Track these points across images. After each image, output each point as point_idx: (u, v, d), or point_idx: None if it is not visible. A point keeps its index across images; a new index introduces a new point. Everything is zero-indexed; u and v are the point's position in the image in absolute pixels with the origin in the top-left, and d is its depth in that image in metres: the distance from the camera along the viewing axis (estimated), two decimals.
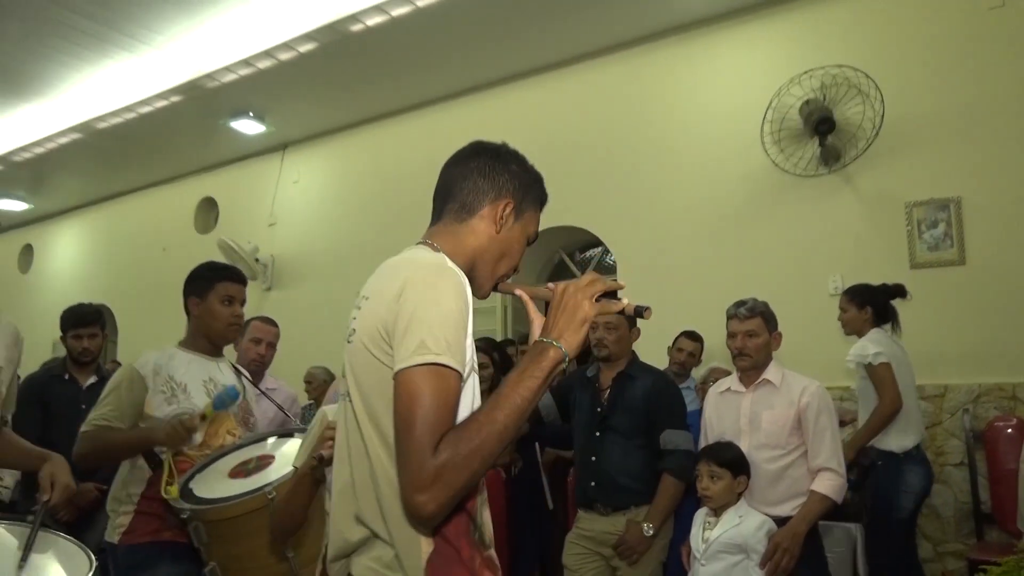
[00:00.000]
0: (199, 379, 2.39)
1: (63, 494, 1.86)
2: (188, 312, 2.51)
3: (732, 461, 2.65)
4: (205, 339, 2.49)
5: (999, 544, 3.60)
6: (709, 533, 2.61)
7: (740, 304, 2.87)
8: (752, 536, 2.54)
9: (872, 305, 3.62)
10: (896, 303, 3.71)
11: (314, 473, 1.67)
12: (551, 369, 1.19)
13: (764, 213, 4.72)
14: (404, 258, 1.33)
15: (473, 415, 1.17)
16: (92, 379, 3.81)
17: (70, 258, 9.51)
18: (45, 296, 9.39)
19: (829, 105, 4.22)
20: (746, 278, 4.57)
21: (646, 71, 5.33)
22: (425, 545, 1.20)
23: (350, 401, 1.29)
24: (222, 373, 2.49)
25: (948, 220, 4.16)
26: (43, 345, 8.10)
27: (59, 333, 3.70)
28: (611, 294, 1.29)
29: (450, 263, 1.28)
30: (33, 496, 1.92)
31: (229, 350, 2.75)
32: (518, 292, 1.42)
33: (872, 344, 3.47)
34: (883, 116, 4.16)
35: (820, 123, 4.19)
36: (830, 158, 4.37)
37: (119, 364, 7.59)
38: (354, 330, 1.30)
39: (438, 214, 1.44)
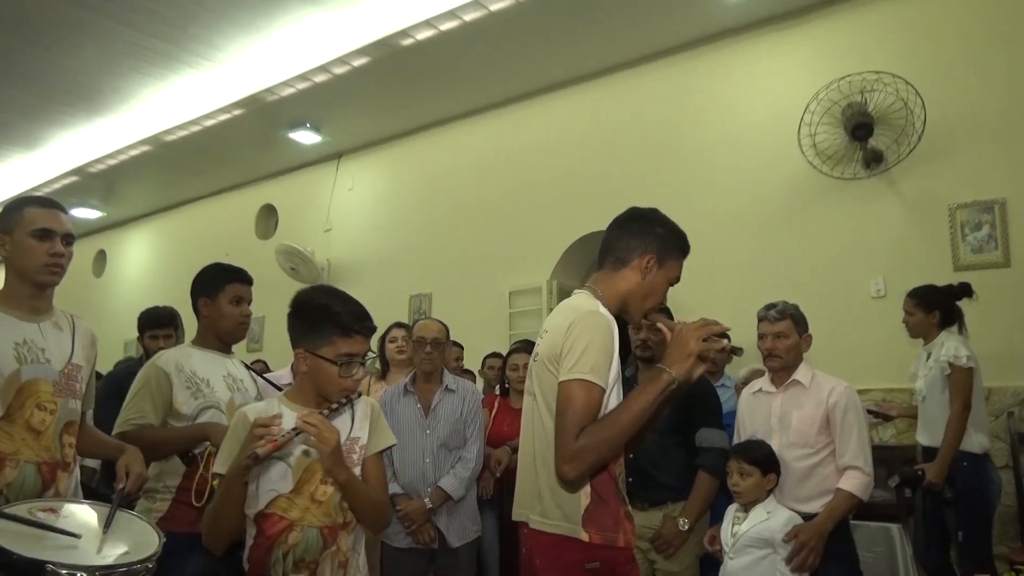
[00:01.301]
0: (219, 374, 2.47)
1: (136, 482, 2.06)
2: (197, 312, 2.58)
3: (762, 459, 2.74)
4: (215, 337, 2.55)
5: None
6: (738, 528, 2.71)
7: (771, 307, 2.94)
8: (779, 531, 2.62)
9: (940, 308, 3.56)
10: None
11: (247, 473, 1.74)
12: (663, 389, 1.74)
13: (805, 217, 4.76)
14: (572, 303, 1.93)
15: (605, 416, 1.73)
16: None
17: (140, 263, 9.98)
18: (117, 299, 9.89)
19: (869, 109, 4.24)
20: (787, 282, 4.62)
21: (685, 79, 5.41)
22: (584, 498, 1.78)
23: (535, 399, 1.88)
24: (236, 369, 2.57)
25: (992, 222, 4.15)
26: (115, 345, 8.56)
27: (130, 334, 3.88)
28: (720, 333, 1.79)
29: (602, 308, 1.85)
30: (112, 483, 2.13)
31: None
32: (659, 325, 1.93)
33: (964, 348, 3.44)
34: (925, 120, 4.16)
35: (857, 128, 4.22)
36: (872, 161, 4.38)
37: None
38: (538, 352, 1.92)
39: (601, 264, 1.99)
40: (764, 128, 4.95)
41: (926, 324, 3.58)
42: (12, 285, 2.09)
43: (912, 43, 4.50)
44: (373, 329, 1.93)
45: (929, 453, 3.47)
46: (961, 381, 3.38)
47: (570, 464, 1.69)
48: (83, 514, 1.88)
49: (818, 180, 4.65)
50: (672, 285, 1.98)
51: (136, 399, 2.36)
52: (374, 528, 1.98)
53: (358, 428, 1.93)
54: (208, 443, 2.29)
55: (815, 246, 4.69)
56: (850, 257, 4.57)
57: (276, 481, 1.80)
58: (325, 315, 1.84)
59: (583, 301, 1.90)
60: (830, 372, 2.98)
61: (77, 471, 2.15)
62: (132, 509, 2.16)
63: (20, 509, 1.73)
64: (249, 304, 2.62)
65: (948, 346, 3.44)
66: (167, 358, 2.43)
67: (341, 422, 1.89)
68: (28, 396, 1.97)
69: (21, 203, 2.12)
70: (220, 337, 2.56)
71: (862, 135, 4.26)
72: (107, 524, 1.81)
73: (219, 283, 2.55)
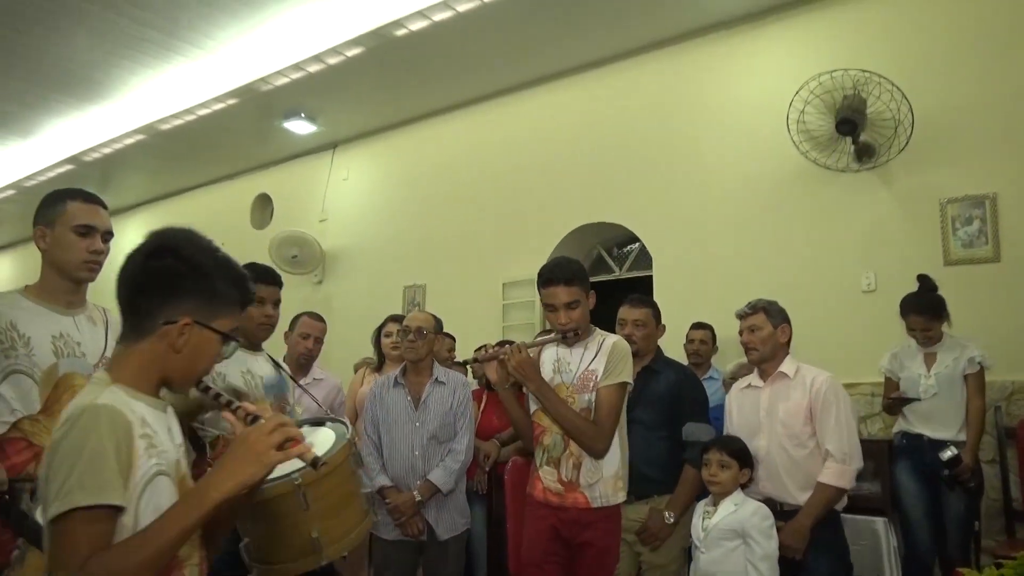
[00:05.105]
0: (238, 371, 2.49)
1: None
2: None
3: (740, 452, 2.81)
4: (242, 335, 2.54)
5: None
6: (708, 522, 2.76)
7: (746, 305, 3.05)
8: (748, 521, 2.67)
9: (946, 312, 3.68)
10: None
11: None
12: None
13: (796, 210, 4.77)
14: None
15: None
16: None
17: None
18: (112, 287, 9.89)
19: (859, 103, 4.24)
20: (779, 274, 4.64)
21: (680, 70, 5.40)
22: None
23: None
24: (260, 365, 2.60)
25: (983, 217, 4.16)
26: None
27: None
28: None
29: None
30: None
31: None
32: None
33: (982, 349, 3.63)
34: (912, 116, 4.16)
35: (841, 123, 4.22)
36: (863, 155, 4.39)
37: None
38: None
39: None
40: (756, 120, 4.95)
41: (940, 331, 3.70)
42: (49, 278, 2.10)
43: (903, 37, 4.49)
44: None
45: (935, 446, 3.53)
46: (982, 379, 3.61)
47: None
48: None
49: (810, 174, 4.65)
50: None
51: None
52: None
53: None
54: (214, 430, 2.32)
55: (806, 240, 4.71)
56: (841, 251, 4.58)
57: (165, 506, 1.28)
58: None
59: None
60: (820, 366, 3.02)
61: None
62: None
63: None
64: (275, 305, 2.62)
65: (972, 348, 3.62)
66: None
67: None
68: (65, 390, 1.98)
69: (64, 195, 2.09)
70: (245, 336, 2.54)
71: (846, 130, 4.26)
72: None
73: None
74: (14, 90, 6.56)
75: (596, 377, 2.63)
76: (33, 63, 6.02)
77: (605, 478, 2.62)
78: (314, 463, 1.31)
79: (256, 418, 1.36)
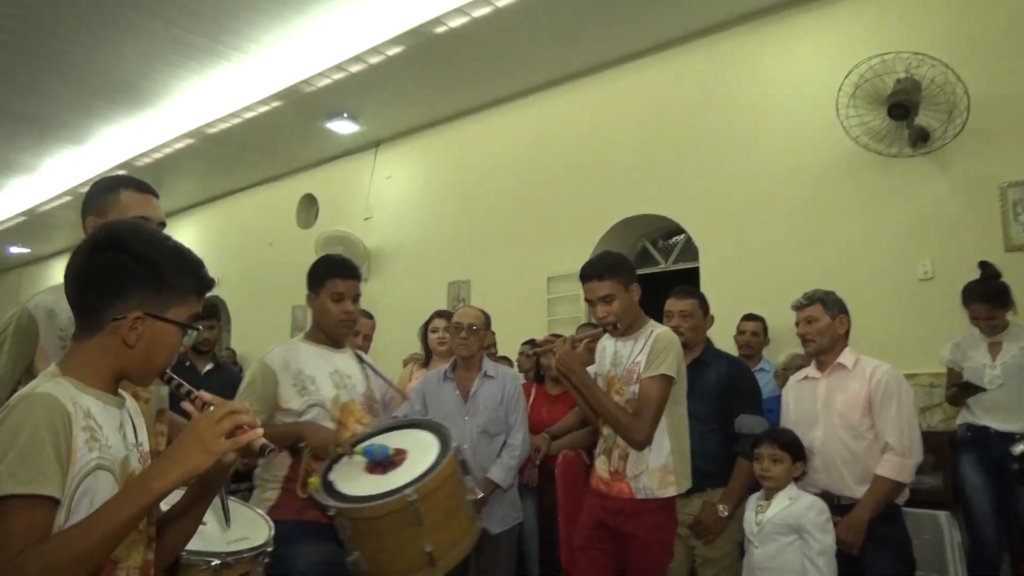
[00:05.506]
0: (326, 371, 2.43)
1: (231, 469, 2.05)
2: (309, 304, 2.53)
3: (792, 445, 2.75)
4: (324, 333, 2.52)
5: None
6: (762, 516, 2.70)
7: (802, 296, 2.99)
8: (803, 515, 2.61)
9: (1011, 300, 3.58)
10: None
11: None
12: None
13: (849, 197, 4.65)
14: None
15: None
16: (209, 366, 4.21)
17: None
18: None
19: (912, 87, 4.12)
20: (831, 263, 4.54)
21: (725, 57, 5.31)
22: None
23: None
24: (347, 364, 2.53)
25: None
26: None
27: None
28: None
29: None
30: None
31: None
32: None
33: None
34: (968, 98, 4.03)
35: (894, 108, 4.10)
36: (918, 140, 4.26)
37: (232, 352, 8.17)
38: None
39: None
40: (805, 107, 4.84)
41: (1005, 318, 3.59)
42: None
43: (955, 17, 4.34)
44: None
45: (1002, 438, 3.42)
46: None
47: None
48: None
49: (861, 160, 4.53)
50: None
51: (242, 397, 2.35)
52: None
53: None
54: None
55: (859, 228, 4.58)
56: (896, 239, 4.45)
57: (101, 501, 1.21)
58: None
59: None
60: (876, 357, 2.95)
61: None
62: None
63: None
64: (355, 300, 2.52)
65: None
66: (274, 355, 2.42)
67: None
68: (124, 385, 2.00)
69: (116, 184, 2.01)
70: (326, 333, 2.51)
71: (899, 114, 4.14)
72: (224, 510, 1.84)
73: (320, 279, 2.49)
74: (68, 99, 6.77)
75: (639, 369, 2.63)
76: (85, 73, 6.20)
77: (650, 470, 2.60)
78: (262, 451, 1.22)
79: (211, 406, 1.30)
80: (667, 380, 2.59)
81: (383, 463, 2.18)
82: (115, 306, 1.26)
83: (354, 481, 2.14)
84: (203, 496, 1.40)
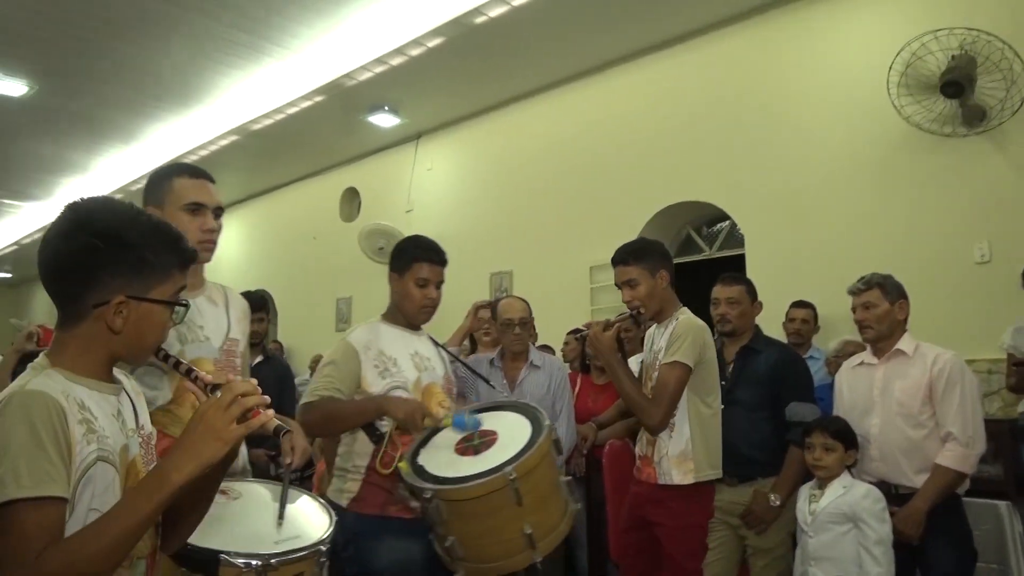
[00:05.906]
0: (407, 352, 2.38)
1: (303, 458, 1.91)
2: (391, 284, 2.47)
3: (844, 433, 2.69)
4: (402, 315, 2.45)
5: None
6: (815, 505, 2.65)
7: (859, 280, 2.90)
8: (859, 504, 2.56)
9: None
10: None
11: None
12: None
13: (900, 179, 4.52)
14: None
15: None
16: (259, 358, 4.26)
17: (233, 248, 10.39)
18: (218, 264, 10.35)
19: (967, 64, 3.98)
20: (882, 247, 4.42)
21: (770, 39, 5.20)
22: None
23: None
24: (426, 347, 2.48)
25: None
26: None
27: None
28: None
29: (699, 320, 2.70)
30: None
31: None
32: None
33: None
34: None
35: (947, 86, 3.97)
36: (973, 119, 4.12)
37: (279, 344, 8.30)
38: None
39: None
40: (853, 87, 4.71)
41: None
42: None
43: None
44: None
45: None
46: None
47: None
48: (255, 493, 1.86)
49: (914, 140, 4.39)
50: None
51: (324, 372, 2.30)
52: None
53: None
54: (389, 419, 2.24)
55: (910, 210, 4.45)
56: (950, 221, 4.31)
57: (102, 493, 1.20)
58: None
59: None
60: (931, 342, 2.86)
61: (244, 450, 2.06)
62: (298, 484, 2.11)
63: None
64: (438, 287, 2.45)
65: None
66: (358, 335, 2.37)
67: None
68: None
69: (170, 172, 1.98)
70: (405, 316, 2.46)
71: (952, 92, 4.01)
72: (281, 504, 1.78)
73: (406, 261, 2.42)
74: (116, 98, 6.93)
75: (661, 355, 2.72)
76: (133, 71, 6.33)
77: (669, 456, 2.70)
78: (276, 432, 1.18)
79: (216, 387, 1.23)
80: (680, 367, 2.65)
81: (474, 444, 2.10)
82: (95, 292, 1.20)
83: (446, 464, 2.05)
84: (213, 479, 1.33)
